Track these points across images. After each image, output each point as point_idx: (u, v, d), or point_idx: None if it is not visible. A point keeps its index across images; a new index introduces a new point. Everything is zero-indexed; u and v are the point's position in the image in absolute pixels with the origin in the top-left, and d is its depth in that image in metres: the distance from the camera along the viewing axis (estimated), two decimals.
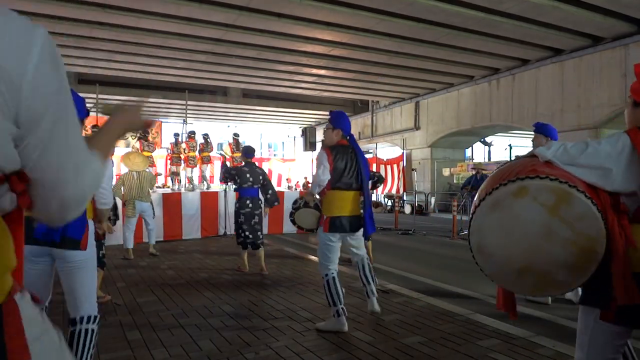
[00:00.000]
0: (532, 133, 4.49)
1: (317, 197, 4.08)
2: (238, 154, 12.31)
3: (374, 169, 16.59)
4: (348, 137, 3.99)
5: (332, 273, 3.78)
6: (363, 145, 21.90)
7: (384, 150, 21.07)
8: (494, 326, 3.73)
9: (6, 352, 0.69)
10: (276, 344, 3.40)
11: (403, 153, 18.10)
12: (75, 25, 10.60)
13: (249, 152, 6.45)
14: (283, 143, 30.44)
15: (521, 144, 24.89)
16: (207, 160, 13.28)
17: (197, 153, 13.05)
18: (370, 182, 6.81)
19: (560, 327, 4.06)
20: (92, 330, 2.39)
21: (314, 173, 3.97)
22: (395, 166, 16.74)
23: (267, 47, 12.25)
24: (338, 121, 3.97)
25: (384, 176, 7.75)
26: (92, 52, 12.92)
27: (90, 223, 2.49)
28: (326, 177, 3.78)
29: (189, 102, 16.25)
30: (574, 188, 1.65)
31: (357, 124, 22.79)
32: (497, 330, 3.62)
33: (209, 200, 9.83)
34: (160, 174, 14.52)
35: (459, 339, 3.52)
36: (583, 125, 12.08)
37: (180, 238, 9.38)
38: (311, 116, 24.44)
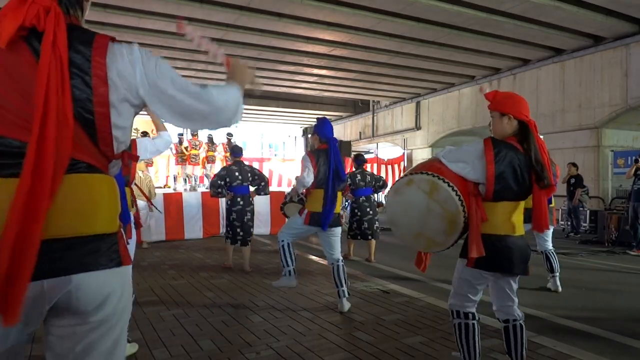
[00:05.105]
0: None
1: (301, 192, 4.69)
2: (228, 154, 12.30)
3: (375, 169, 16.58)
4: (328, 142, 4.37)
5: (288, 241, 4.37)
6: (364, 146, 21.89)
7: (385, 150, 21.03)
8: (495, 326, 3.72)
9: (121, 256, 1.28)
10: (277, 344, 3.41)
11: (404, 153, 18.08)
12: None
13: (236, 151, 6.75)
14: (284, 143, 30.40)
15: None
16: (212, 160, 13.26)
17: (200, 151, 13.04)
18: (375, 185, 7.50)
19: (561, 327, 4.07)
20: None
21: (299, 174, 4.43)
22: (396, 166, 16.71)
23: (268, 47, 12.23)
24: (317, 127, 4.49)
25: (386, 181, 8.08)
26: None
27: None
28: (310, 178, 4.32)
29: None
30: (440, 180, 2.37)
31: (358, 124, 22.78)
32: (498, 330, 3.61)
33: (210, 200, 9.82)
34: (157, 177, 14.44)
35: None
36: (584, 125, 12.06)
37: (182, 238, 9.40)
38: (312, 116, 24.39)
